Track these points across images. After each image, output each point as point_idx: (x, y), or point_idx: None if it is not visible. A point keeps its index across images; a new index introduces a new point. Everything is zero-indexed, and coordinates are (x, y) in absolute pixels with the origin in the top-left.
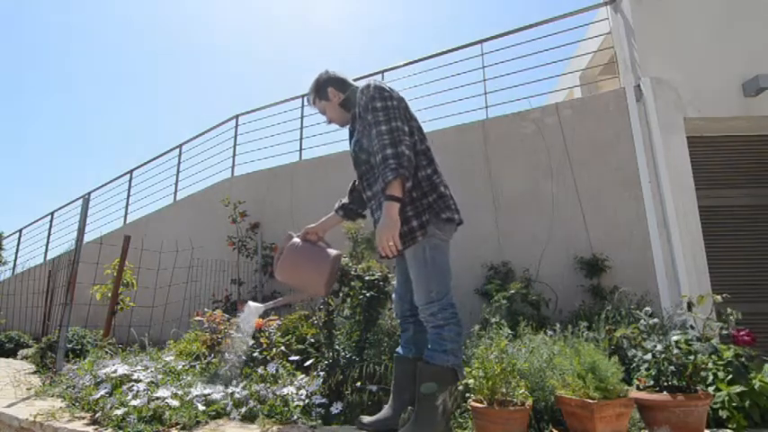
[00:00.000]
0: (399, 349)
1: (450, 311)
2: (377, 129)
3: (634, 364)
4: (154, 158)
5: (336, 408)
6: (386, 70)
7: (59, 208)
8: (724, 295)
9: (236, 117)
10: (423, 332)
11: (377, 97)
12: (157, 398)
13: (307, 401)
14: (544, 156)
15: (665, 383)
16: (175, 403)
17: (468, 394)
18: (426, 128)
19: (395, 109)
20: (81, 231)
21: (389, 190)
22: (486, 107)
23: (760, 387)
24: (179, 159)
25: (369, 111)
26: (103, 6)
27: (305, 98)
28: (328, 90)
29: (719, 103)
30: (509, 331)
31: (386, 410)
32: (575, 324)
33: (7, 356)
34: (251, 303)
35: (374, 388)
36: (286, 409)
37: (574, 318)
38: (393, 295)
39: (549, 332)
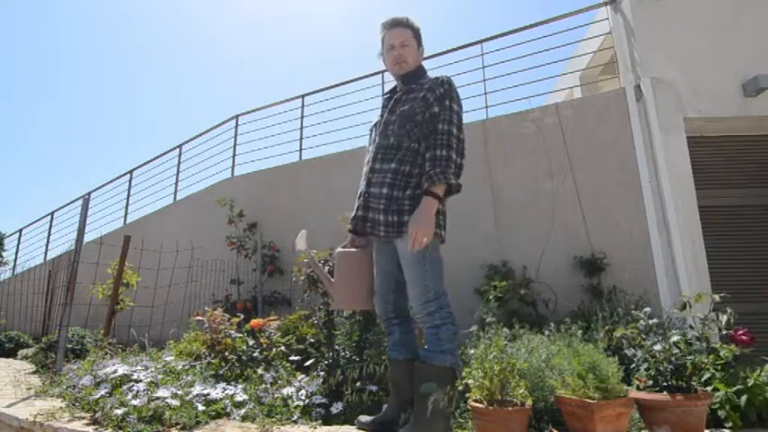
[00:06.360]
0: (390, 352)
1: (447, 311)
2: (449, 128)
3: (634, 364)
4: (154, 158)
5: (336, 408)
6: (386, 70)
7: (59, 208)
8: (722, 294)
9: (236, 117)
10: (409, 332)
11: (455, 98)
12: (157, 398)
13: (307, 401)
14: (544, 156)
15: (665, 383)
16: (175, 403)
17: (468, 394)
18: None
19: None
20: (81, 231)
21: (436, 188)
22: (486, 107)
23: (754, 386)
24: (179, 159)
25: (445, 108)
26: (105, 5)
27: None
28: (422, 43)
29: (720, 103)
30: (508, 331)
31: (386, 411)
32: (574, 323)
33: (7, 356)
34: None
35: (374, 388)
36: (286, 409)
37: (573, 317)
38: (375, 296)
39: (548, 332)
